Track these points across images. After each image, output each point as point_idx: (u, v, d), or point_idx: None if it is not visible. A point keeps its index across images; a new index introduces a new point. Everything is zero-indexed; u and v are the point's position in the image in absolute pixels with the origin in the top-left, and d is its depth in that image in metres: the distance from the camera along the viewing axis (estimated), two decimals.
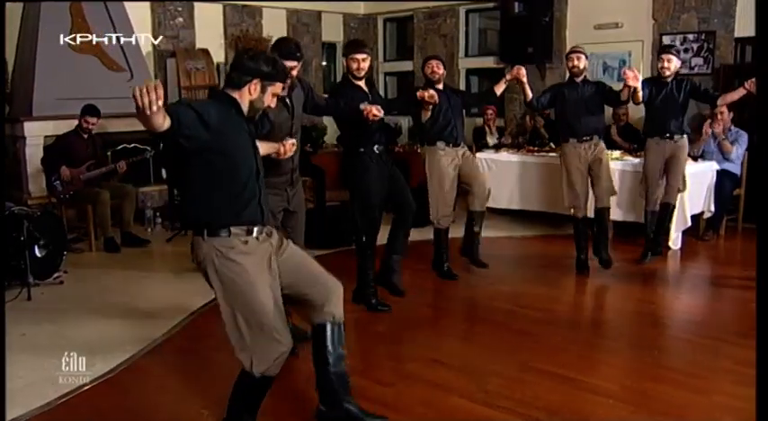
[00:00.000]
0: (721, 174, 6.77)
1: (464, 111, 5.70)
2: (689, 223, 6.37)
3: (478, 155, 7.81)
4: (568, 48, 8.76)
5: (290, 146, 3.51)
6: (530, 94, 5.65)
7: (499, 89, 5.72)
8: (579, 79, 5.71)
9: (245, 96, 2.76)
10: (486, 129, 8.84)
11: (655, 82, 5.84)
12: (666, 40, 8.14)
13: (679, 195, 6.25)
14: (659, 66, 5.77)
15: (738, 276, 5.51)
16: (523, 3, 8.89)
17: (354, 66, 4.61)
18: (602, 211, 5.78)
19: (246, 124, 2.83)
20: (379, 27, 11.04)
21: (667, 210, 5.92)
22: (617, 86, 5.99)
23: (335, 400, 3.02)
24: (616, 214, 6.48)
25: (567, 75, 5.93)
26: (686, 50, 8.02)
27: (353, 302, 4.71)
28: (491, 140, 8.66)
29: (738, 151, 6.84)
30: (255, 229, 2.78)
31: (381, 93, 10.96)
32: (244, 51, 3.08)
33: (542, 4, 8.80)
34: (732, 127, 6.89)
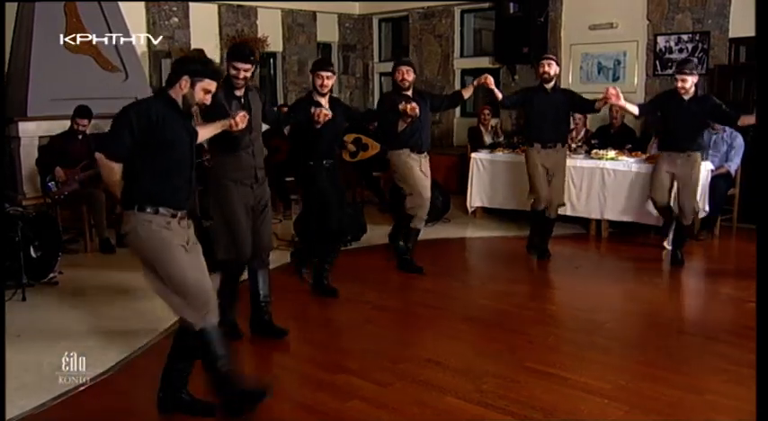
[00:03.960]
0: (715, 175, 6.77)
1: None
2: None
3: (474, 155, 7.84)
4: (564, 48, 8.87)
5: (240, 117, 3.73)
6: (500, 95, 6.03)
7: (467, 93, 6.05)
8: (549, 86, 5.91)
9: (178, 92, 3.18)
10: (482, 128, 8.86)
11: (671, 98, 5.67)
12: (661, 40, 8.18)
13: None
14: (676, 85, 5.55)
15: (733, 276, 5.54)
16: (518, 3, 8.92)
17: (318, 82, 4.86)
18: (548, 220, 6.15)
19: (185, 121, 3.24)
20: (375, 27, 11.06)
21: (681, 226, 5.79)
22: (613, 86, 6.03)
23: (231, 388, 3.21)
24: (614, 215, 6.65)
25: (539, 80, 6.08)
26: (681, 51, 8.06)
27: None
28: (487, 140, 8.68)
29: (733, 156, 6.81)
30: (179, 213, 3.17)
31: (376, 93, 11.03)
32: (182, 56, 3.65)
33: (537, 4, 8.83)
34: (727, 128, 6.81)
